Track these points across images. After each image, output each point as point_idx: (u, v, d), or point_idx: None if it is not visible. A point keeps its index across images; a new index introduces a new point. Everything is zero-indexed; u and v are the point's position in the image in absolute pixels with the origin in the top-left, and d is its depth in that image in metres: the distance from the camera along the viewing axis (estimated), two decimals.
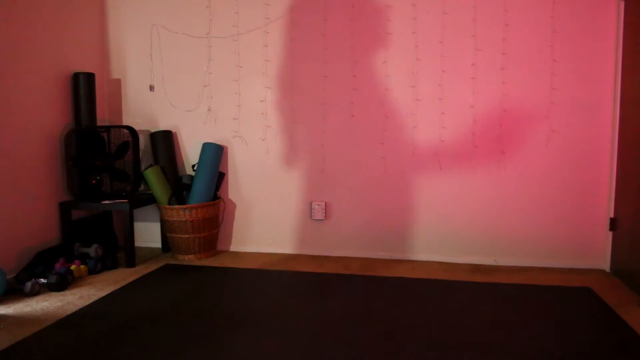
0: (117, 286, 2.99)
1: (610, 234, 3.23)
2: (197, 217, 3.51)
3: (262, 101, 3.69)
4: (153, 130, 3.85)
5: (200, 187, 3.55)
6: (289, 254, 3.73)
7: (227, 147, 3.78)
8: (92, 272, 3.23)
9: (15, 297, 2.78)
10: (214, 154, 3.60)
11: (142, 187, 3.84)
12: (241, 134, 3.75)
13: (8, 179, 3.04)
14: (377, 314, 2.55)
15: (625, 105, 3.07)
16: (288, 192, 3.71)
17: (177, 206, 3.49)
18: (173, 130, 3.84)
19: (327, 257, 3.63)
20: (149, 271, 3.30)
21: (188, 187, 3.66)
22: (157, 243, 3.93)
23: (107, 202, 3.42)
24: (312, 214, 3.68)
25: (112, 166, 3.57)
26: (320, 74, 3.57)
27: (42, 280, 2.95)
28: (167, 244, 3.76)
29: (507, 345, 2.18)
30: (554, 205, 3.33)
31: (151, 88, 3.87)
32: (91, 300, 2.74)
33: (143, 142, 3.86)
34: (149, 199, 3.63)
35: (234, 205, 3.82)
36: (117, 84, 3.93)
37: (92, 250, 3.38)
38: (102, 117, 3.86)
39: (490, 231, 3.43)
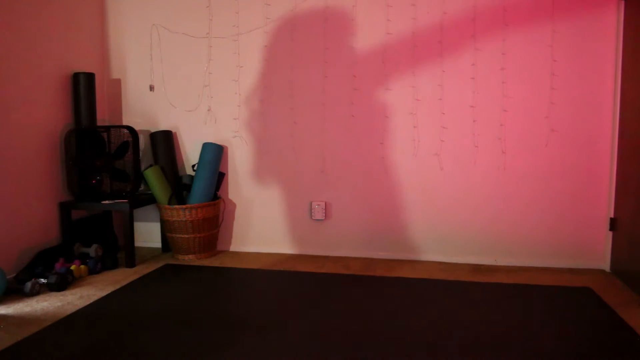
0: (117, 286, 2.99)
1: (610, 234, 3.23)
2: (197, 217, 3.51)
3: (262, 101, 3.69)
4: (153, 130, 3.85)
5: (200, 187, 3.55)
6: (289, 254, 3.73)
7: (227, 147, 3.78)
8: (92, 272, 3.23)
9: (15, 297, 2.78)
10: (214, 154, 3.60)
11: (142, 187, 3.84)
12: (241, 134, 3.75)
13: (8, 179, 3.04)
14: (377, 314, 2.54)
15: (625, 105, 3.07)
16: (288, 192, 3.71)
17: (177, 206, 3.49)
18: (173, 130, 3.84)
19: (327, 257, 3.63)
20: (149, 271, 3.30)
21: (188, 187, 3.66)
22: (157, 243, 3.93)
23: (107, 202, 3.42)
24: (312, 214, 3.68)
25: (112, 166, 3.57)
26: (320, 74, 3.58)
27: (42, 280, 2.95)
28: (167, 244, 3.76)
29: (508, 345, 2.18)
30: (554, 205, 3.33)
31: (151, 88, 3.87)
32: (91, 300, 2.74)
33: (143, 142, 3.86)
34: (149, 199, 3.63)
35: (234, 205, 3.83)
36: (117, 84, 3.93)
37: (92, 250, 3.37)
38: (102, 117, 3.86)
39: (490, 231, 3.43)
